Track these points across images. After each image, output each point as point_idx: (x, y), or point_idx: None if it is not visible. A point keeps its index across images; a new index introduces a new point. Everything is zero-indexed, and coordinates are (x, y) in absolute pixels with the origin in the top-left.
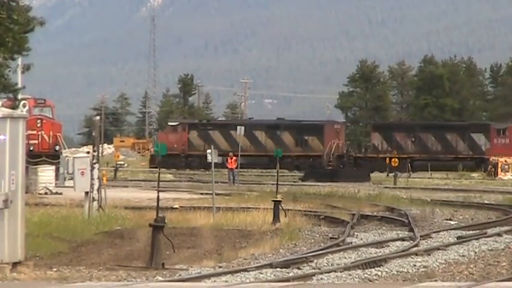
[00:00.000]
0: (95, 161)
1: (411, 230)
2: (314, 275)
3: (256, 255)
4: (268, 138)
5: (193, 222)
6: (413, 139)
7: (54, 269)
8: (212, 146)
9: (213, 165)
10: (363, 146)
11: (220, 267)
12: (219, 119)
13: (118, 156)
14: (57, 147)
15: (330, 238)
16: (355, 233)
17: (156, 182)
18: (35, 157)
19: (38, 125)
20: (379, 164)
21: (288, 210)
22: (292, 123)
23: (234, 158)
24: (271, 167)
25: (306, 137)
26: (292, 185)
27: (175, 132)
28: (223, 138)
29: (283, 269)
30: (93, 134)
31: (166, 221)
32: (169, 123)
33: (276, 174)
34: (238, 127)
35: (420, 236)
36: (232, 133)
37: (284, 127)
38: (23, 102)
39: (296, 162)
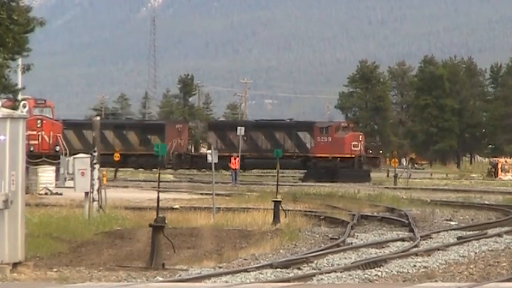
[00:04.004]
0: (95, 161)
1: (411, 230)
2: (314, 276)
3: (257, 255)
4: (116, 138)
5: (194, 223)
6: (245, 138)
7: (54, 270)
8: (212, 147)
9: (213, 165)
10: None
11: (220, 267)
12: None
13: (118, 157)
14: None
15: (330, 238)
16: (355, 234)
17: (157, 183)
18: (35, 157)
19: (38, 126)
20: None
21: (288, 210)
22: (137, 122)
23: (237, 158)
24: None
25: (149, 136)
26: (292, 185)
27: None
28: (77, 137)
29: (284, 270)
30: (93, 134)
31: (166, 221)
32: None
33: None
34: (238, 128)
35: (420, 237)
36: (84, 132)
37: (129, 126)
38: (23, 102)
39: (140, 161)
